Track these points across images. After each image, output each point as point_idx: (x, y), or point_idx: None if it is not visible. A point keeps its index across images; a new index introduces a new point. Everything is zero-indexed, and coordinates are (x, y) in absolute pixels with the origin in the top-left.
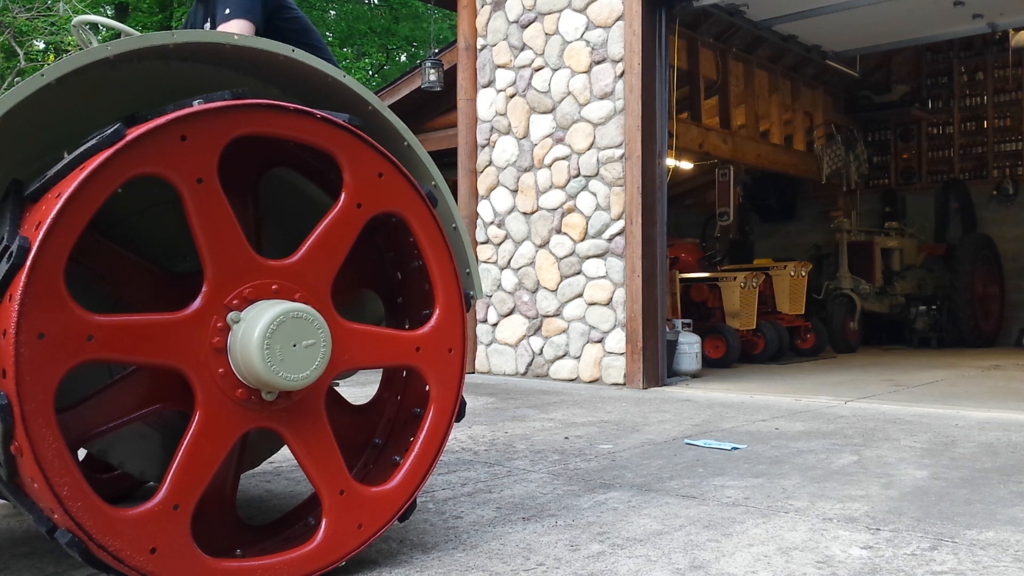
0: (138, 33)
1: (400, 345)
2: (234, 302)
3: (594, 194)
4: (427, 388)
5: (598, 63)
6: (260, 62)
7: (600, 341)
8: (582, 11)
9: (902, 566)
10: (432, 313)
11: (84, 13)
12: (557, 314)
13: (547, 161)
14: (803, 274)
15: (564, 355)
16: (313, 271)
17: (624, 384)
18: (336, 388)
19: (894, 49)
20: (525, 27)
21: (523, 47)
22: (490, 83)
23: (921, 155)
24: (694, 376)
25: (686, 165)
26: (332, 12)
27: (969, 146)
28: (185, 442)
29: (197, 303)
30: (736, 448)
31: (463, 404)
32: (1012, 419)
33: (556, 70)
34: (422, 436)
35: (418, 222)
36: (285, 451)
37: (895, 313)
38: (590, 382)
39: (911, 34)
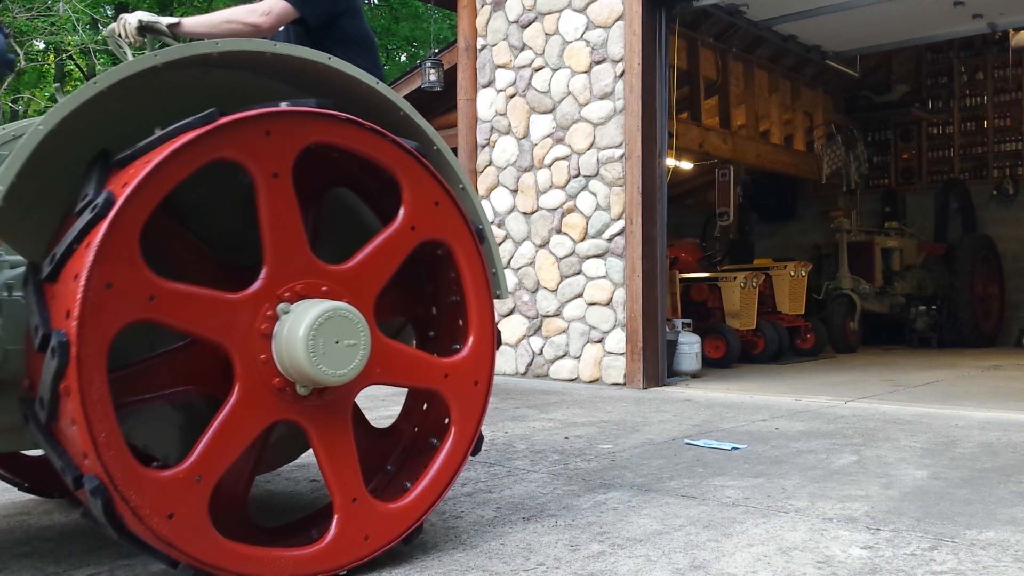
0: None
1: (430, 369)
2: (286, 294)
3: (594, 194)
4: (447, 421)
5: (598, 63)
6: (298, 69)
7: (600, 341)
8: (582, 11)
9: (902, 566)
10: (463, 346)
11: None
12: (557, 314)
13: (547, 161)
14: (803, 274)
15: (564, 355)
16: (361, 281)
17: (624, 384)
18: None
19: (894, 49)
20: (525, 27)
21: (523, 47)
22: (490, 83)
23: (921, 155)
24: (694, 376)
25: (686, 165)
26: None
27: (969, 146)
28: (219, 419)
29: (253, 288)
30: (736, 448)
31: (480, 439)
32: (1012, 419)
33: (556, 70)
34: (437, 463)
35: (464, 255)
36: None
37: (895, 313)
38: (590, 382)
39: (911, 34)
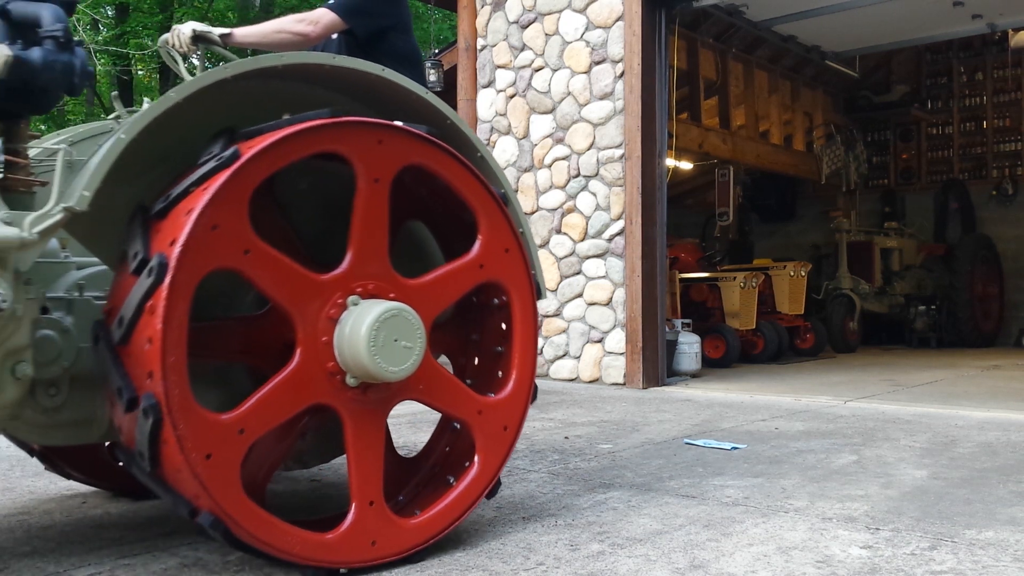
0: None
1: (467, 401)
2: (358, 289)
3: (594, 194)
4: (467, 463)
5: (598, 63)
6: (352, 79)
7: (600, 341)
8: (582, 11)
9: (902, 566)
10: (500, 391)
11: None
12: (557, 314)
13: (547, 161)
14: (803, 274)
15: (564, 355)
16: (426, 299)
17: (624, 384)
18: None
19: (894, 49)
20: (525, 27)
21: (523, 47)
22: (490, 83)
23: (920, 155)
24: (694, 376)
25: (686, 165)
26: None
27: (968, 146)
28: (272, 381)
29: (332, 274)
30: (736, 448)
31: (498, 483)
32: (1012, 419)
33: (556, 70)
34: (450, 498)
35: (520, 305)
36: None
37: (895, 313)
38: (590, 382)
39: (911, 34)
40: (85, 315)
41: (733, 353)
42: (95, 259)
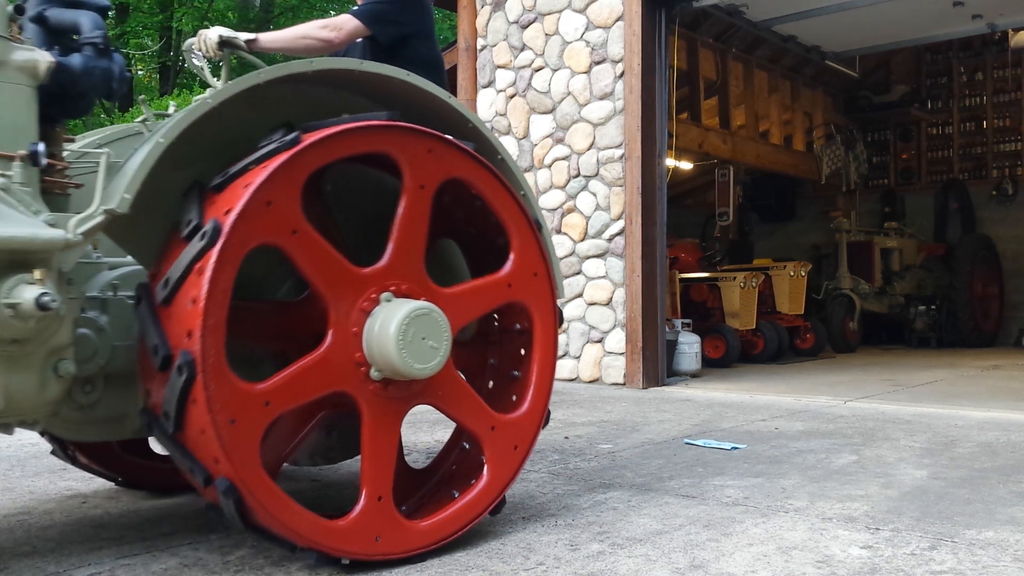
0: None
1: (482, 415)
2: (392, 287)
3: (594, 194)
4: (473, 480)
5: (598, 63)
6: (377, 84)
7: (600, 341)
8: (582, 11)
9: (901, 566)
10: (515, 411)
11: None
12: None
13: (547, 161)
14: (803, 274)
15: (564, 355)
16: (454, 308)
17: (624, 384)
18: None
19: (893, 49)
20: (525, 27)
21: (523, 47)
22: (490, 83)
23: (920, 155)
24: (694, 376)
25: (686, 165)
26: (332, 12)
27: (968, 146)
28: (303, 361)
29: (370, 268)
30: (736, 448)
31: (503, 502)
32: (1012, 419)
33: (556, 70)
34: (454, 508)
35: (541, 329)
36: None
37: (895, 313)
38: (590, 382)
39: (911, 34)
40: (119, 314)
41: (733, 353)
42: (126, 259)
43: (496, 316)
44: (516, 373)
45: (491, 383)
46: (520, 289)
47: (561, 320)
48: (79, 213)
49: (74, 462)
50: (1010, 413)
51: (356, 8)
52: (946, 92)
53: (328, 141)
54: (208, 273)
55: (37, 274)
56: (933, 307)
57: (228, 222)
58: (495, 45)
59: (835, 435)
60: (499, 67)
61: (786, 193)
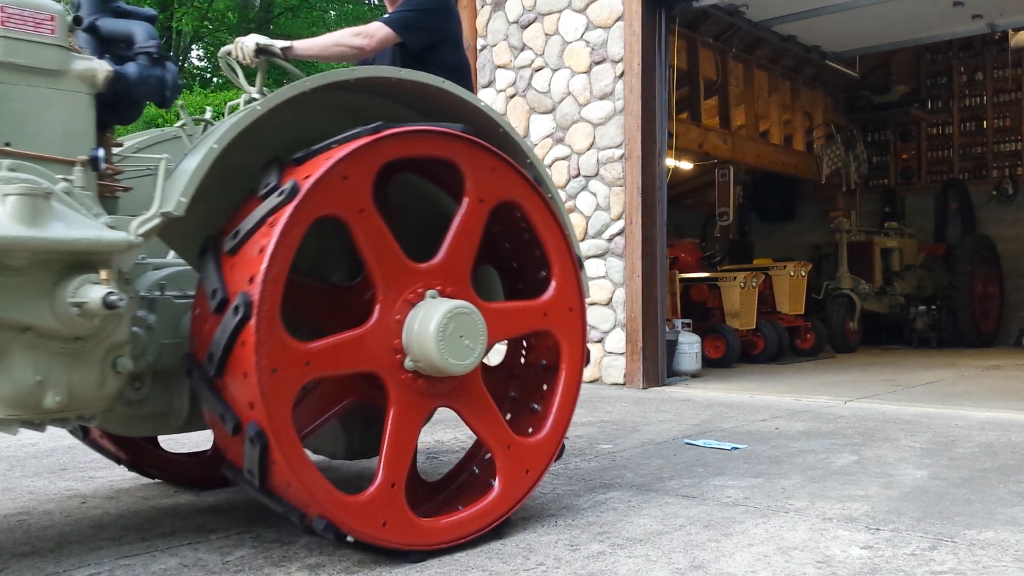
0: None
1: (501, 432)
2: (438, 286)
3: (594, 194)
4: (481, 496)
5: (598, 63)
6: (411, 90)
7: (600, 341)
8: (582, 11)
9: (902, 566)
10: (532, 436)
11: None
12: None
13: (547, 161)
14: (803, 274)
15: None
16: (493, 322)
17: (624, 384)
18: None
19: (893, 49)
20: (525, 27)
21: (523, 47)
22: (490, 83)
23: (921, 155)
24: (694, 376)
25: (686, 165)
26: (332, 12)
27: (969, 146)
28: (343, 335)
29: (422, 264)
30: (736, 448)
31: (506, 522)
32: (1012, 419)
33: (556, 70)
34: (458, 516)
35: (568, 364)
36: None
37: (895, 313)
38: (590, 382)
39: (911, 34)
40: (166, 313)
41: (733, 353)
42: (168, 260)
43: (524, 350)
44: (536, 406)
45: (509, 415)
46: (555, 320)
47: (588, 360)
48: (125, 215)
49: (119, 462)
50: (1010, 413)
51: (387, 16)
52: (946, 92)
53: (406, 137)
54: (280, 227)
55: (103, 274)
56: (933, 307)
57: (306, 185)
58: (495, 45)
59: (835, 435)
60: (499, 67)
61: (786, 193)
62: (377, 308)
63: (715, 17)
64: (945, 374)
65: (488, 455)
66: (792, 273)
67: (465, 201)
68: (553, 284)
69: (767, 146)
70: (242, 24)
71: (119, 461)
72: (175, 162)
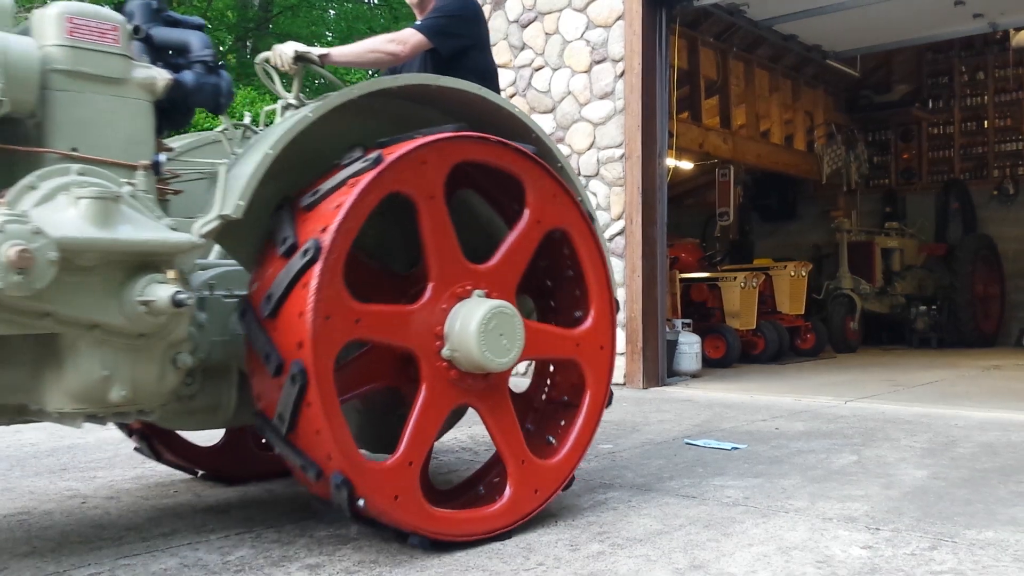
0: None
1: (518, 447)
2: (485, 287)
3: (594, 194)
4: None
5: (598, 63)
6: (448, 97)
7: None
8: (582, 11)
9: (902, 566)
10: (551, 458)
11: None
12: None
13: None
14: (803, 274)
15: None
16: (532, 335)
17: (624, 384)
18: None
19: (894, 49)
20: (525, 27)
21: (523, 47)
22: None
23: (921, 155)
24: (694, 376)
25: (686, 165)
26: (332, 12)
27: (969, 146)
28: (393, 307)
29: (476, 266)
30: (736, 448)
31: (507, 535)
32: (1012, 419)
33: (556, 70)
34: (466, 515)
35: (591, 398)
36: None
37: (895, 313)
38: None
39: (911, 34)
40: (215, 311)
41: (733, 353)
42: (214, 261)
43: (547, 386)
44: (551, 439)
45: (522, 460)
46: (585, 353)
47: (610, 401)
48: (174, 217)
49: (159, 458)
50: (1010, 413)
51: (419, 23)
52: (947, 92)
53: (483, 143)
54: (360, 187)
55: (171, 274)
56: (934, 307)
57: (389, 158)
58: (495, 44)
59: (835, 435)
60: (499, 66)
61: (787, 193)
62: (429, 290)
63: (716, 16)
64: (945, 374)
65: (497, 479)
66: (792, 273)
67: (526, 215)
68: (590, 319)
69: (768, 146)
70: (241, 23)
71: (195, 473)
72: (232, 165)
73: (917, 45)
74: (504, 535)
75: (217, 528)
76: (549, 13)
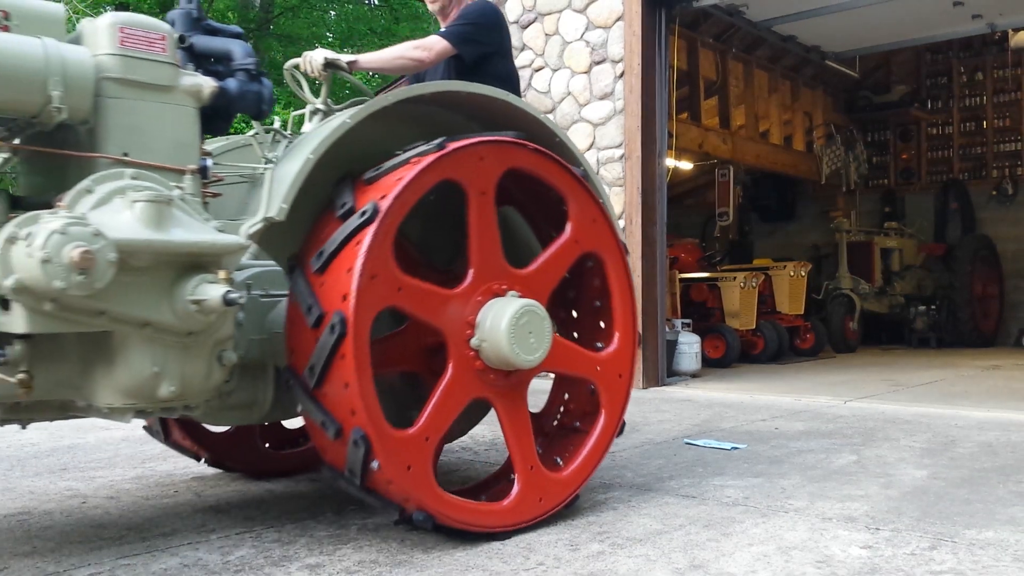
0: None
1: (529, 450)
2: (519, 289)
3: None
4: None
5: (598, 63)
6: (477, 103)
7: None
8: (582, 11)
9: (901, 565)
10: (562, 471)
11: (87, 14)
12: None
13: None
14: (803, 274)
15: None
16: (557, 348)
17: None
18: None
19: (894, 49)
20: (525, 27)
21: (523, 47)
22: None
23: (920, 155)
24: (694, 376)
25: (686, 165)
26: (332, 12)
27: (968, 146)
28: (436, 288)
29: (515, 270)
30: (736, 448)
31: (508, 536)
32: (1011, 419)
33: (556, 70)
34: (473, 505)
35: (604, 425)
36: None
37: (894, 313)
38: None
39: (911, 34)
40: (253, 310)
41: (733, 353)
42: (249, 262)
43: (559, 412)
44: (559, 460)
45: (531, 466)
46: (604, 378)
47: (622, 430)
48: (214, 219)
49: (166, 438)
50: (1010, 413)
51: (444, 30)
52: (946, 92)
53: (535, 154)
54: (419, 167)
55: (222, 274)
56: (933, 307)
57: (451, 146)
58: None
59: (835, 435)
60: None
61: (786, 193)
62: (469, 277)
63: (715, 17)
64: (945, 374)
65: (505, 483)
66: (792, 273)
67: (568, 230)
68: (614, 345)
69: (767, 146)
70: (242, 24)
71: (198, 458)
72: (275, 169)
73: (916, 46)
74: (504, 535)
75: (217, 528)
76: (549, 14)
